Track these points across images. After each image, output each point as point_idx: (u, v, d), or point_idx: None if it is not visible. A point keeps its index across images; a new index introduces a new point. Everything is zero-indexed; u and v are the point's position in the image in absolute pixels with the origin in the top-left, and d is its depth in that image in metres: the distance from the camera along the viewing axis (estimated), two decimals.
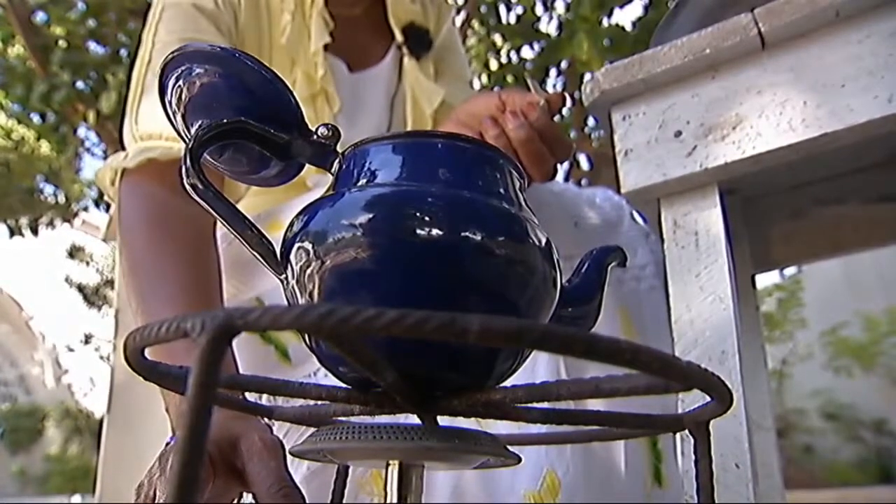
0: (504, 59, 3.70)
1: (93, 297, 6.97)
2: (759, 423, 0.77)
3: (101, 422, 1.08)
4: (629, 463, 0.64)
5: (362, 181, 0.31)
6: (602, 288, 0.35)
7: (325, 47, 0.88)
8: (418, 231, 0.27)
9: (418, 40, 0.98)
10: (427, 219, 0.28)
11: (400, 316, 0.18)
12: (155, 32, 0.80)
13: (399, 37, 0.97)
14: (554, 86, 3.64)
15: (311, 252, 0.29)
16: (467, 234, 0.28)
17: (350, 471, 0.45)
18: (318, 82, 0.87)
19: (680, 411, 0.47)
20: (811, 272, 5.36)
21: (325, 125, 0.35)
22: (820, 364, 5.49)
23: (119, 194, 0.73)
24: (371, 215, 0.28)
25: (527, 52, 3.69)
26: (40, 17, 3.82)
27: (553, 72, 3.59)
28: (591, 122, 3.54)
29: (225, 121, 0.33)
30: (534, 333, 0.18)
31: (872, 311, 5.30)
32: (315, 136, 0.34)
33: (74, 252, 7.25)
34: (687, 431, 0.32)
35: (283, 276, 0.31)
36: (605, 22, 3.19)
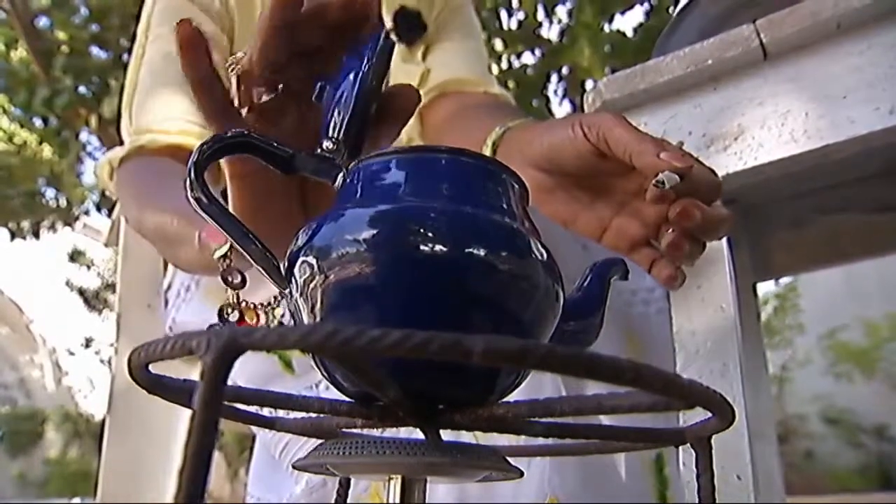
0: (505, 65, 3.71)
1: (93, 300, 6.97)
2: (760, 431, 0.77)
3: (101, 425, 1.08)
4: (634, 489, 0.63)
5: (365, 196, 0.31)
6: (604, 302, 0.35)
7: None
8: (421, 247, 0.28)
9: (408, 25, 0.95)
10: (430, 235, 0.28)
11: (404, 337, 0.18)
12: (147, 26, 0.82)
13: (389, 24, 0.94)
14: (555, 92, 3.65)
15: (315, 267, 0.29)
16: (470, 249, 0.28)
17: (352, 481, 0.45)
18: None
19: (681, 424, 0.47)
20: (812, 278, 5.35)
21: (329, 138, 0.35)
22: (820, 369, 5.48)
23: (116, 185, 0.77)
24: (374, 231, 0.28)
25: (528, 58, 3.70)
26: (43, 21, 3.83)
27: (554, 78, 3.60)
28: None
29: (229, 134, 0.33)
30: (536, 354, 0.18)
31: (873, 316, 5.29)
32: (319, 150, 0.35)
33: (76, 256, 7.25)
34: (689, 445, 0.32)
35: (287, 290, 0.31)
36: (606, 28, 3.20)
